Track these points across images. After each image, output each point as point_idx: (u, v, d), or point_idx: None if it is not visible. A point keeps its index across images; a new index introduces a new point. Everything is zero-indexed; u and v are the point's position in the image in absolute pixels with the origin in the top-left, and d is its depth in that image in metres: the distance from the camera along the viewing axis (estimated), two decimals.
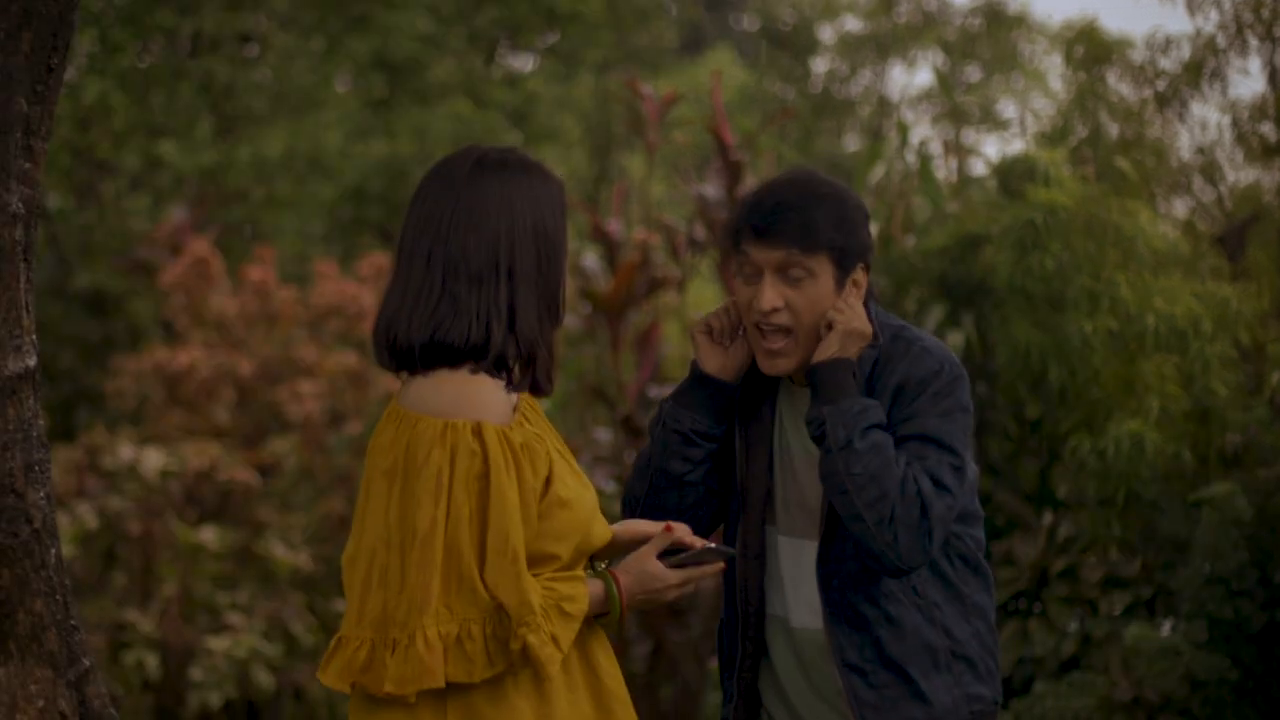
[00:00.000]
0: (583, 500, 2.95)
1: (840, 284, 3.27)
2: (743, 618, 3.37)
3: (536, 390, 2.97)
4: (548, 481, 2.91)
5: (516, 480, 2.85)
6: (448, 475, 2.83)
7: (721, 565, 3.06)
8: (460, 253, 2.90)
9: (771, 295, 3.25)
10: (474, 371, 2.89)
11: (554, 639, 2.85)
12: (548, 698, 2.93)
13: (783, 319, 3.26)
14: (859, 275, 3.29)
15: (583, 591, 2.91)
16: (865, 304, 3.34)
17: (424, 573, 2.82)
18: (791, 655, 3.37)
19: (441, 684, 2.81)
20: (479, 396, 2.87)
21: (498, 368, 2.91)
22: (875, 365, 3.29)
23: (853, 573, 3.27)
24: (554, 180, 3.01)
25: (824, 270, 3.25)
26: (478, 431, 2.84)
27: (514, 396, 2.92)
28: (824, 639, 3.30)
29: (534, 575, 2.89)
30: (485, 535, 2.83)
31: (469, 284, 2.90)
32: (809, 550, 3.32)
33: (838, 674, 3.28)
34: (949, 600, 3.32)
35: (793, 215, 3.23)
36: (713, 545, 3.03)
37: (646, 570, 3.00)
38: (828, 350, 3.22)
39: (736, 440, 3.37)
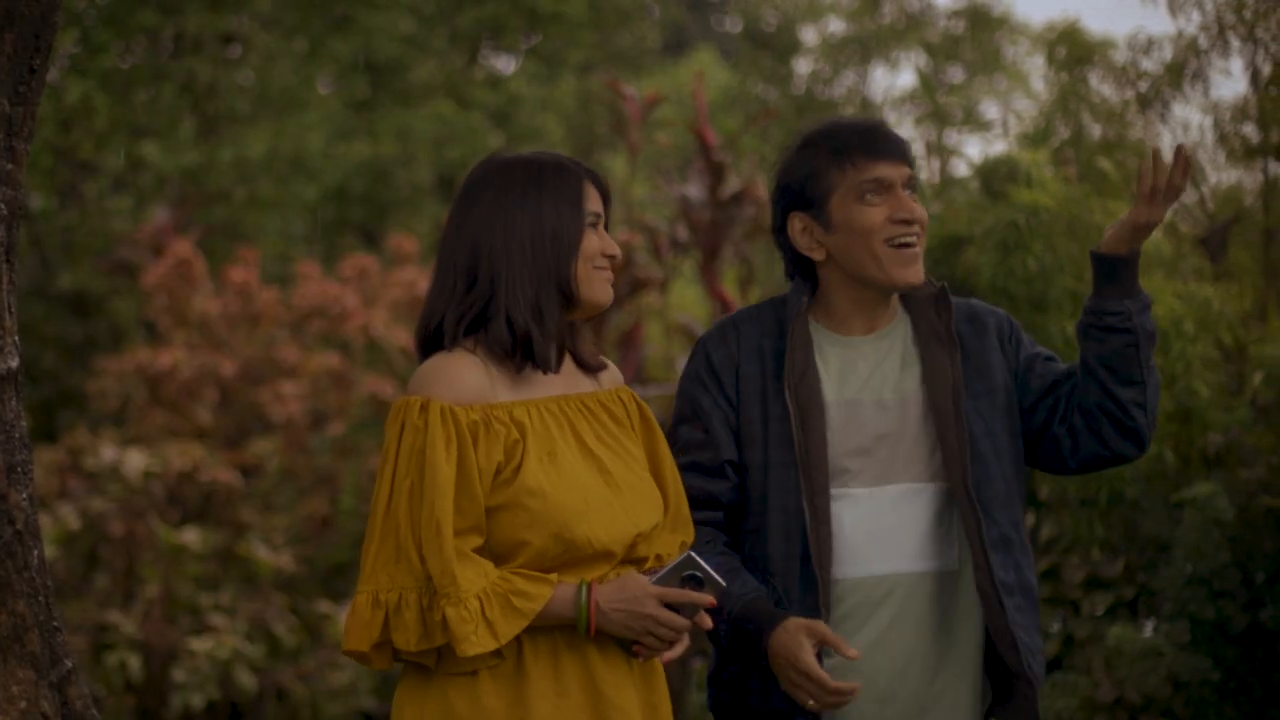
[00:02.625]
0: (558, 497, 2.95)
1: None
2: (822, 585, 3.23)
3: (544, 367, 3.03)
4: (518, 470, 2.94)
5: (456, 456, 2.91)
6: (394, 450, 2.94)
7: (709, 599, 2.99)
8: (441, 254, 3.07)
9: (916, 205, 3.27)
10: (450, 349, 3.00)
11: (489, 624, 2.87)
12: (525, 701, 2.94)
13: (918, 229, 3.29)
14: None
15: (544, 592, 2.91)
16: None
17: (368, 543, 2.95)
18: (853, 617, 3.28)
19: (362, 648, 2.92)
20: (439, 376, 2.96)
21: (474, 346, 3.00)
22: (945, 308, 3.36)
23: (1000, 494, 3.30)
24: (566, 173, 3.07)
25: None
26: (424, 408, 2.92)
27: (490, 376, 2.99)
28: (921, 583, 3.27)
29: (511, 567, 2.93)
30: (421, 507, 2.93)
31: (437, 277, 3.07)
32: (907, 493, 3.29)
33: (987, 590, 3.23)
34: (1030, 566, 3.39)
35: (896, 136, 3.32)
36: (701, 573, 2.97)
37: (625, 579, 2.99)
38: (1121, 244, 3.24)
39: (790, 406, 3.28)
